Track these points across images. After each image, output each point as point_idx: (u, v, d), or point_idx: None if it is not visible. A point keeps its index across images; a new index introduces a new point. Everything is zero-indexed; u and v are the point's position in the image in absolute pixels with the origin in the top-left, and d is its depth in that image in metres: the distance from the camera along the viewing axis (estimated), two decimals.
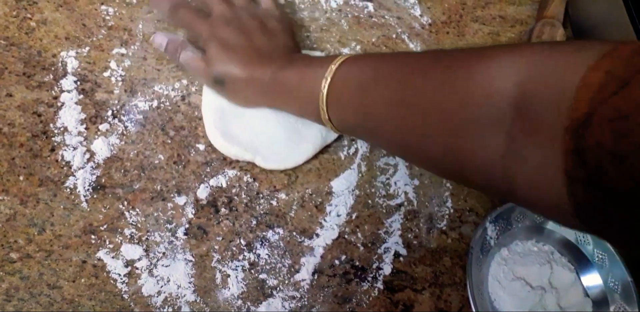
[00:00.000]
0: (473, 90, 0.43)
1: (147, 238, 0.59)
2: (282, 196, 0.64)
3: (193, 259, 0.59)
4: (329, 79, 0.54)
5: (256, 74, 0.59)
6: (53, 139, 0.61)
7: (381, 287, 0.61)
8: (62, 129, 0.62)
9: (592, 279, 0.65)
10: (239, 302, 0.58)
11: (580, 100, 0.34)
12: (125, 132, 0.63)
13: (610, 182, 0.32)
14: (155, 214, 0.60)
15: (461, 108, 0.44)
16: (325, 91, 0.55)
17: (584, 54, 0.36)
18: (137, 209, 0.60)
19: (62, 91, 0.63)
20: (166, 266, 0.58)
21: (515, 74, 0.40)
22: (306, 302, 0.60)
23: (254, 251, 0.61)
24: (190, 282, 0.58)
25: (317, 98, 0.55)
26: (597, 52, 0.35)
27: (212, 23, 0.62)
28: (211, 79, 0.61)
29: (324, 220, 0.63)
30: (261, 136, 0.64)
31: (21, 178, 0.59)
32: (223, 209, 0.62)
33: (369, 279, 0.62)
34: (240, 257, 0.60)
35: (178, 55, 0.62)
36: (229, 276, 0.59)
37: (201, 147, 0.64)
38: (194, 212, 0.61)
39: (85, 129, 0.62)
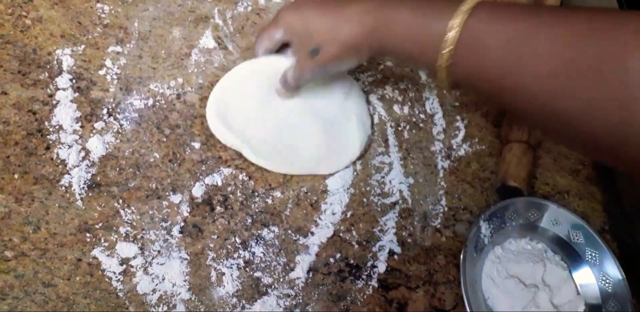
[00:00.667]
0: None
1: (142, 236, 0.59)
2: (277, 194, 0.64)
3: (188, 257, 0.59)
4: (458, 22, 0.48)
5: (346, 17, 0.56)
6: (48, 137, 0.61)
7: (376, 285, 0.62)
8: (57, 127, 0.62)
9: (585, 277, 0.65)
10: (234, 300, 0.59)
11: None
12: (120, 131, 0.63)
13: None
14: (151, 212, 0.60)
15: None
16: (454, 35, 0.48)
17: None
18: (133, 207, 0.60)
19: (57, 89, 0.63)
20: (161, 264, 0.59)
21: None
22: (301, 300, 0.60)
23: (249, 249, 0.61)
24: (185, 280, 0.58)
25: (437, 41, 0.49)
26: None
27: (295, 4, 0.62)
28: (306, 53, 0.60)
29: (319, 218, 0.64)
30: (260, 131, 0.64)
31: (16, 176, 0.59)
32: (218, 208, 0.62)
33: (364, 277, 0.62)
34: (236, 255, 0.60)
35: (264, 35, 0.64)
36: (224, 274, 0.59)
37: (196, 145, 0.64)
38: (189, 210, 0.61)
39: (81, 127, 0.62)
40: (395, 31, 0.53)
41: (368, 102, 0.70)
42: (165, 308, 0.57)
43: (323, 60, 0.59)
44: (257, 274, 0.60)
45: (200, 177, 0.63)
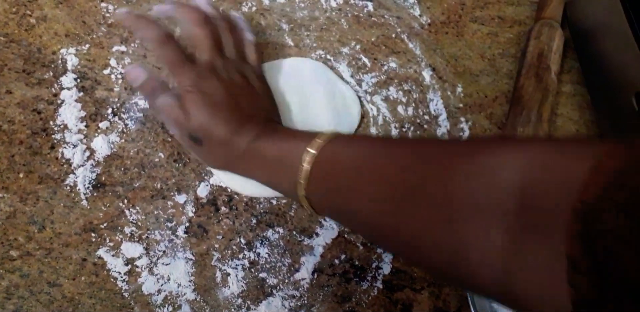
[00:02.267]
0: (477, 178, 0.40)
1: (147, 236, 0.59)
2: None
3: (193, 258, 0.59)
4: (311, 153, 0.51)
5: (235, 137, 0.55)
6: (53, 136, 0.61)
7: (380, 286, 0.62)
8: (62, 126, 0.62)
9: None
10: (239, 301, 0.58)
11: (593, 184, 0.31)
12: (125, 130, 0.63)
13: (624, 271, 0.29)
14: (156, 213, 0.60)
15: (463, 195, 0.40)
16: (307, 166, 0.51)
17: (596, 145, 0.35)
18: (137, 207, 0.60)
19: (62, 88, 0.63)
20: (166, 265, 0.58)
21: (521, 165, 0.37)
22: (306, 301, 0.60)
23: (254, 250, 0.61)
24: (190, 281, 0.58)
25: (295, 172, 0.51)
26: (607, 145, 0.34)
27: (198, 71, 0.57)
28: (187, 133, 0.57)
29: (324, 219, 0.63)
30: None
31: (21, 175, 0.59)
32: (223, 208, 0.62)
33: (369, 278, 0.62)
34: (240, 256, 0.60)
35: (154, 99, 0.58)
36: (229, 274, 0.59)
37: None
38: (194, 210, 0.61)
39: (86, 126, 0.62)
40: (258, 164, 0.56)
41: (372, 103, 0.70)
42: (171, 309, 0.57)
43: (197, 154, 0.60)
44: (262, 274, 0.60)
45: (205, 177, 0.63)
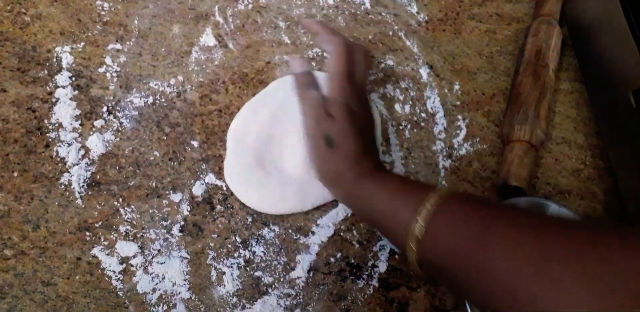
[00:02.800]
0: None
1: (142, 235, 0.59)
2: None
3: (188, 257, 0.59)
4: (420, 225, 0.48)
5: (361, 159, 0.56)
6: (47, 135, 0.61)
7: (376, 285, 0.61)
8: (56, 125, 0.61)
9: None
10: (234, 299, 0.58)
11: None
12: (120, 129, 0.63)
13: None
14: (151, 211, 0.60)
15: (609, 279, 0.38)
16: (417, 233, 0.48)
17: None
18: (132, 206, 0.60)
19: (56, 87, 0.63)
20: (161, 263, 0.58)
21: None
22: (301, 300, 0.60)
23: (249, 249, 0.60)
24: (185, 280, 0.58)
25: (404, 230, 0.49)
26: None
27: (351, 89, 0.59)
28: (324, 133, 0.56)
29: (320, 217, 0.63)
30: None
31: (15, 174, 0.59)
32: (219, 207, 0.62)
33: (364, 276, 0.62)
34: (236, 254, 0.60)
35: (306, 89, 0.60)
36: (224, 273, 0.59)
37: (196, 144, 0.64)
38: (189, 209, 0.61)
39: (80, 125, 0.62)
40: (369, 206, 0.55)
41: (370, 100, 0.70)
42: (165, 307, 0.57)
43: (326, 158, 0.59)
44: (258, 273, 0.60)
45: (201, 175, 0.63)
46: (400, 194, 0.53)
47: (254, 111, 0.66)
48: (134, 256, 0.58)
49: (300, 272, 0.60)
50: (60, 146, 0.61)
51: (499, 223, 0.46)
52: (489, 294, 0.44)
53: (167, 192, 0.61)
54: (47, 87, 0.62)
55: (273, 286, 0.60)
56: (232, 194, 0.62)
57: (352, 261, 0.62)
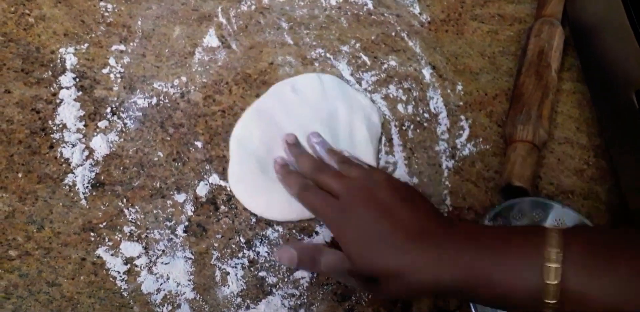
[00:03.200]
0: None
1: (146, 236, 0.59)
2: None
3: (192, 257, 0.59)
4: (554, 275, 0.41)
5: (420, 261, 0.46)
6: (52, 136, 0.61)
7: None
8: (60, 126, 0.62)
9: None
10: (239, 300, 0.58)
11: None
12: (124, 129, 0.63)
13: None
14: (155, 212, 0.60)
15: None
16: (555, 289, 0.41)
17: None
18: (137, 207, 0.60)
19: (60, 88, 0.63)
20: (165, 264, 0.58)
21: None
22: (305, 300, 0.60)
23: (253, 249, 0.61)
24: (189, 280, 0.58)
25: (535, 296, 0.42)
26: None
27: (341, 205, 0.52)
28: (362, 279, 0.51)
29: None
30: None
31: (20, 175, 0.59)
32: (222, 207, 0.62)
33: None
34: (240, 254, 0.60)
35: (319, 265, 0.54)
36: (228, 273, 0.59)
37: (200, 144, 0.64)
38: (193, 209, 0.61)
39: (84, 126, 0.62)
40: (487, 288, 0.45)
41: (372, 101, 0.70)
42: (170, 308, 0.57)
43: (380, 294, 0.54)
44: (262, 273, 0.60)
45: (205, 176, 0.63)
46: (505, 246, 0.45)
47: (255, 117, 0.66)
48: (139, 257, 0.58)
49: (304, 272, 0.60)
50: (64, 147, 0.61)
51: None
52: None
53: (171, 192, 0.61)
54: (51, 88, 0.63)
55: (277, 286, 0.60)
56: None
57: None
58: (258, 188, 0.62)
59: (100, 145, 0.61)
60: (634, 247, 0.42)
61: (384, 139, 0.68)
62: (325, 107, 0.67)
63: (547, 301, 0.42)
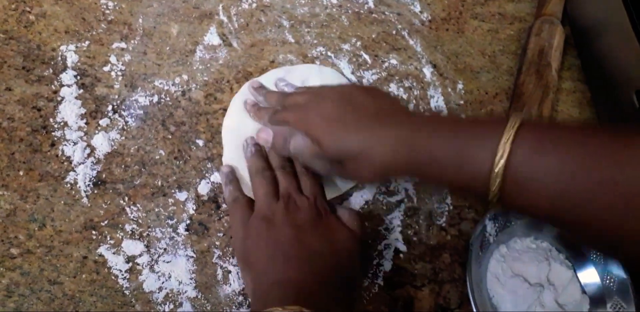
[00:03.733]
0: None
1: (148, 234, 0.59)
2: None
3: (194, 255, 0.59)
4: (504, 158, 0.43)
5: (379, 140, 0.49)
6: (53, 133, 0.61)
7: (381, 283, 0.62)
8: (62, 123, 0.61)
9: (589, 276, 0.65)
10: (240, 298, 0.58)
11: None
12: (125, 127, 0.63)
13: None
14: (156, 210, 0.60)
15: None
16: (499, 171, 0.43)
17: None
18: (138, 205, 0.60)
19: (62, 86, 0.63)
20: (167, 262, 0.58)
21: None
22: None
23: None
24: (191, 278, 0.58)
25: (481, 175, 0.44)
26: None
27: (306, 107, 0.56)
28: (328, 161, 0.54)
29: None
30: None
31: (21, 173, 0.59)
32: (224, 205, 0.62)
33: (369, 275, 0.62)
34: None
35: (288, 145, 0.57)
36: (230, 272, 0.59)
37: (201, 142, 0.64)
38: (195, 208, 0.61)
39: (86, 123, 0.62)
40: (432, 165, 0.48)
41: None
42: (172, 306, 0.57)
43: (346, 175, 0.57)
44: None
45: (206, 174, 0.63)
46: (462, 132, 0.47)
47: (243, 105, 0.66)
48: (140, 255, 0.58)
49: None
50: (65, 145, 0.61)
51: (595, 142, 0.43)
52: (606, 208, 0.41)
53: (173, 190, 0.61)
54: (52, 86, 0.62)
55: None
56: None
57: None
58: None
59: (102, 143, 0.61)
60: (583, 136, 0.44)
61: None
62: None
63: (492, 183, 0.43)
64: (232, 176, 0.61)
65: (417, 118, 0.51)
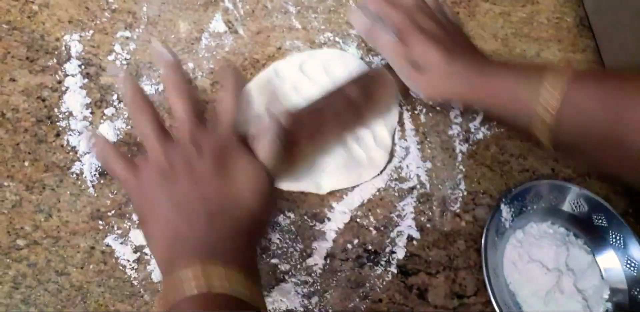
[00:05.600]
0: None
1: None
2: None
3: None
4: (559, 91, 0.52)
5: (457, 66, 0.58)
6: (58, 124, 0.60)
7: (395, 271, 0.60)
8: (67, 113, 0.61)
9: (609, 261, 0.63)
10: None
11: None
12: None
13: None
14: None
15: None
16: (556, 103, 0.52)
17: None
18: None
19: (66, 75, 0.62)
20: None
21: None
22: (319, 287, 0.58)
23: (265, 236, 0.59)
24: None
25: (538, 108, 0.53)
26: None
27: (408, 12, 0.62)
28: (409, 63, 0.60)
29: (335, 203, 0.62)
30: None
31: (26, 164, 0.58)
32: None
33: (382, 263, 0.60)
34: None
35: (377, 39, 0.63)
36: None
37: None
38: None
39: (91, 113, 0.61)
40: (495, 94, 0.57)
41: None
42: None
43: (416, 82, 0.61)
44: (274, 260, 0.59)
45: None
46: (521, 75, 0.56)
47: (266, 80, 0.65)
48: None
49: (317, 259, 0.59)
50: (71, 135, 0.60)
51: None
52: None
53: None
54: (57, 76, 0.62)
55: (290, 273, 0.59)
56: None
57: (370, 247, 0.61)
58: None
59: (107, 132, 0.60)
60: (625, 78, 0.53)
61: (396, 125, 0.67)
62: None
63: (549, 109, 0.52)
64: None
65: (488, 60, 0.62)
